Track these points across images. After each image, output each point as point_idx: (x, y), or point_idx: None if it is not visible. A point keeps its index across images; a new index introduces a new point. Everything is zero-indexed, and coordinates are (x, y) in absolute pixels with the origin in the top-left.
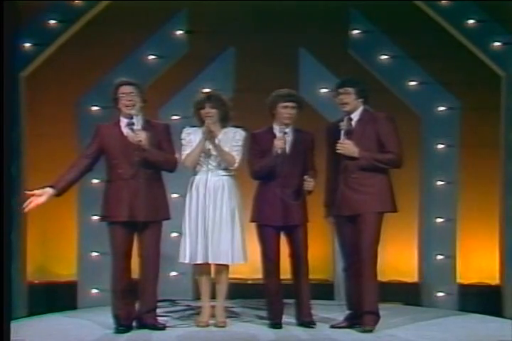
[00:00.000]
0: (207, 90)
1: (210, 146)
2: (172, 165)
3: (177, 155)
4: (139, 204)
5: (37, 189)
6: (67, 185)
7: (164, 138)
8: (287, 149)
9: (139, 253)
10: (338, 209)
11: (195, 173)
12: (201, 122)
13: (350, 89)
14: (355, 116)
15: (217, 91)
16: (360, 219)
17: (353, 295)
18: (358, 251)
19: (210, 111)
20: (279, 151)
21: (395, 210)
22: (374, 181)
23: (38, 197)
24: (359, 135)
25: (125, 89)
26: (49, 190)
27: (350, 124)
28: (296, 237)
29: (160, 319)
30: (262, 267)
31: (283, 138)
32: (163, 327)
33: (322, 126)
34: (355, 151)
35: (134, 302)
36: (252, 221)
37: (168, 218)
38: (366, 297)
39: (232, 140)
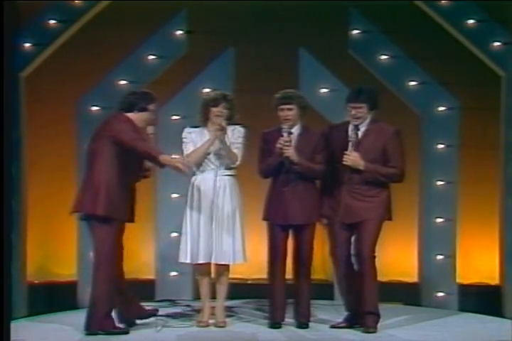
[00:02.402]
0: (217, 90)
1: (218, 145)
2: None
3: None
4: (133, 203)
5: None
6: None
7: None
8: (292, 149)
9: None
10: (340, 217)
11: (196, 173)
12: (205, 120)
13: (364, 105)
14: (363, 127)
15: (228, 92)
16: (361, 226)
17: (349, 295)
18: (358, 254)
19: (223, 111)
20: (282, 153)
21: (390, 219)
22: (377, 192)
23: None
24: (366, 146)
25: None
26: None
27: (357, 134)
28: (301, 237)
29: (160, 319)
30: (267, 266)
31: (287, 138)
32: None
33: (322, 126)
34: (361, 164)
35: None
36: (263, 219)
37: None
38: (367, 298)
39: (232, 137)
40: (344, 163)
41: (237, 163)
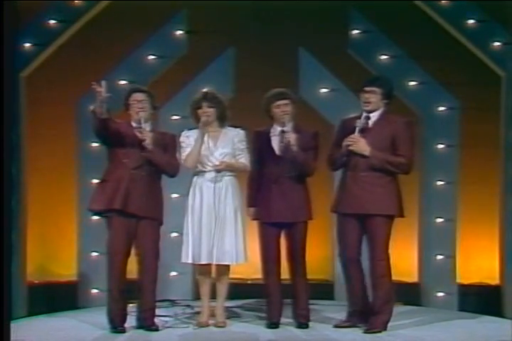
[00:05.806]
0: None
1: (213, 144)
2: (174, 170)
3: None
4: (135, 195)
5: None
6: None
7: (170, 145)
8: (283, 149)
9: (136, 252)
10: (343, 207)
11: (197, 173)
12: (198, 122)
13: (377, 90)
14: (374, 116)
15: (212, 90)
16: (370, 222)
17: (354, 292)
18: (370, 252)
19: (208, 111)
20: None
21: (402, 215)
22: (384, 182)
23: None
24: (374, 134)
25: (137, 96)
26: None
27: (367, 123)
28: (292, 236)
29: (160, 319)
30: (261, 266)
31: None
32: (156, 329)
33: (322, 126)
34: (367, 150)
35: (127, 304)
36: (254, 218)
37: (161, 222)
38: (379, 298)
39: (237, 142)
40: (350, 147)
41: (248, 168)
